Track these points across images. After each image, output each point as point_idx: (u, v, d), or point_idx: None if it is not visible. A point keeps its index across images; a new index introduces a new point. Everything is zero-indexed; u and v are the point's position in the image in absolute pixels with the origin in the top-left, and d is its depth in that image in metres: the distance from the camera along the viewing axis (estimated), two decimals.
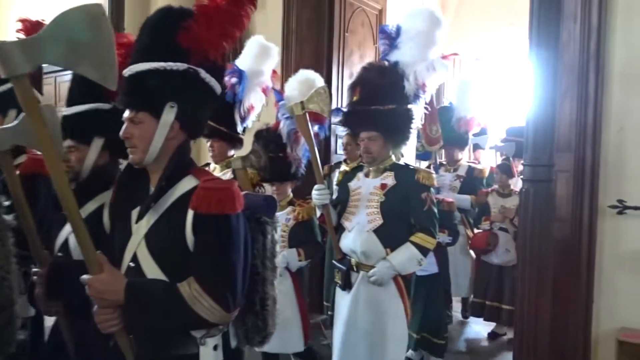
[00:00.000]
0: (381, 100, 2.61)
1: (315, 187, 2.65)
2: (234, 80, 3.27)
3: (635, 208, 2.95)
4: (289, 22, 4.75)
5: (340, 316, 2.67)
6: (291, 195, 3.12)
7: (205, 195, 1.33)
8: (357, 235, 2.60)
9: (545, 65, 2.84)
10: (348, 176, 2.81)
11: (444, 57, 2.68)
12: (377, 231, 2.56)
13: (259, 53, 3.34)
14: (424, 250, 2.56)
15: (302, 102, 2.60)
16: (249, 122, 3.43)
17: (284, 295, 2.94)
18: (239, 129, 3.40)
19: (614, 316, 3.06)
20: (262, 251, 1.51)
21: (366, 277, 2.56)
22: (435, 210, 2.64)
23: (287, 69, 4.45)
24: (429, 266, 3.27)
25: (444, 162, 4.71)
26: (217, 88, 1.48)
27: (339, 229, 2.74)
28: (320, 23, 4.82)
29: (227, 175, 3.12)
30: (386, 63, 2.71)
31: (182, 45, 1.38)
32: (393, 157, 2.71)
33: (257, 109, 3.42)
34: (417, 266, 2.59)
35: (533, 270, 2.94)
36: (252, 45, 3.36)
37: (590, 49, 2.99)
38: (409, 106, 2.65)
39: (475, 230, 4.46)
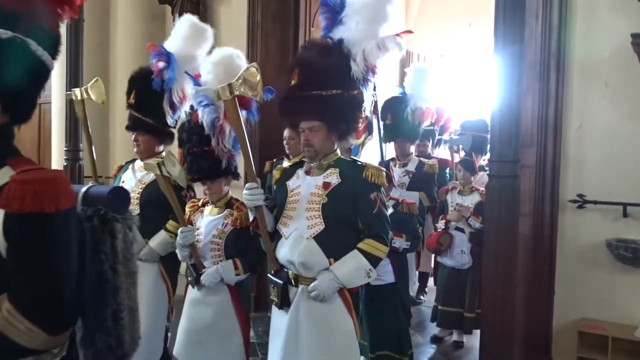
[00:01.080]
0: (324, 84, 2.21)
1: (247, 185, 2.23)
2: (161, 64, 2.85)
3: (595, 202, 3.10)
4: (255, 16, 4.69)
5: (276, 339, 2.26)
6: (230, 195, 2.71)
7: (18, 190, 1.03)
8: (295, 244, 2.20)
9: (511, 63, 2.67)
10: (287, 174, 2.39)
11: (397, 35, 2.31)
12: (318, 238, 2.17)
13: (191, 34, 2.93)
14: (373, 260, 2.18)
15: (229, 85, 2.15)
16: (182, 114, 3.01)
17: (220, 309, 2.58)
18: (169, 121, 2.98)
19: (575, 308, 3.19)
20: (112, 255, 1.25)
21: (306, 291, 2.17)
22: (387, 212, 2.26)
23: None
24: (385, 275, 2.91)
25: (395, 157, 4.39)
26: (50, 63, 1.21)
27: (275, 236, 2.33)
28: (285, 17, 4.78)
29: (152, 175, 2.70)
30: (329, 41, 2.32)
31: (6, 8, 1.09)
32: (339, 152, 2.33)
33: (190, 99, 3.00)
34: (366, 278, 2.21)
35: (499, 265, 2.79)
36: (181, 26, 2.94)
37: (551, 47, 3.18)
38: (357, 91, 2.28)
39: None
